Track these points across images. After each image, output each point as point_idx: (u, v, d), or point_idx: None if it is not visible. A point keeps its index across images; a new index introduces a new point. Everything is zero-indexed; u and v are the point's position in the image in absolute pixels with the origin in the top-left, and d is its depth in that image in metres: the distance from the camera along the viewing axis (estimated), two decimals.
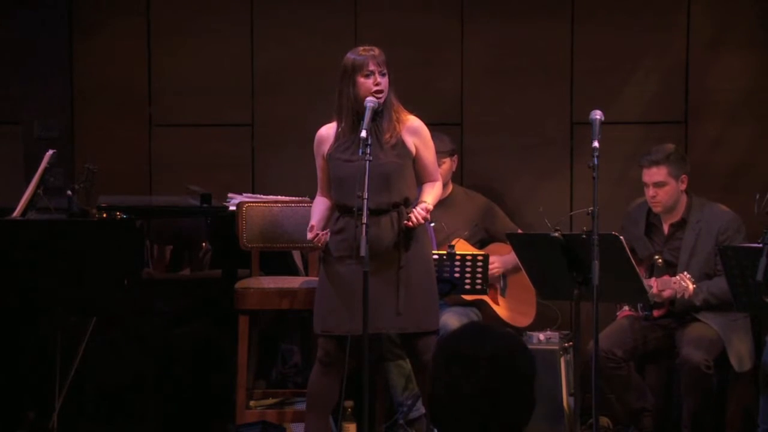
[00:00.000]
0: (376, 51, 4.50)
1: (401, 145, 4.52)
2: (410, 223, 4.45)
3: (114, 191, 5.68)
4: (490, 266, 5.31)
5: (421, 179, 4.63)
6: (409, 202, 4.57)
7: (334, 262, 4.51)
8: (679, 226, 5.20)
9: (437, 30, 6.10)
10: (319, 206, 4.63)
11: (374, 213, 4.39)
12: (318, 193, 4.68)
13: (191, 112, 6.25)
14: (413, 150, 4.54)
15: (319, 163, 4.61)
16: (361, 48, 4.52)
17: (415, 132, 4.55)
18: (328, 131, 4.58)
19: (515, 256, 4.85)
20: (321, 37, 6.08)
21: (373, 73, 4.45)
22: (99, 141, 6.25)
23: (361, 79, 4.45)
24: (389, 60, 4.54)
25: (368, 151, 4.30)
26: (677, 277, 4.92)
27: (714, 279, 5.06)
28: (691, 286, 4.85)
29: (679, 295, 4.91)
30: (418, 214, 4.45)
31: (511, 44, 6.04)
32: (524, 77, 6.02)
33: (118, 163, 6.14)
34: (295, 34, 6.18)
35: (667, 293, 4.98)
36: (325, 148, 4.56)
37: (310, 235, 4.48)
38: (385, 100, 4.48)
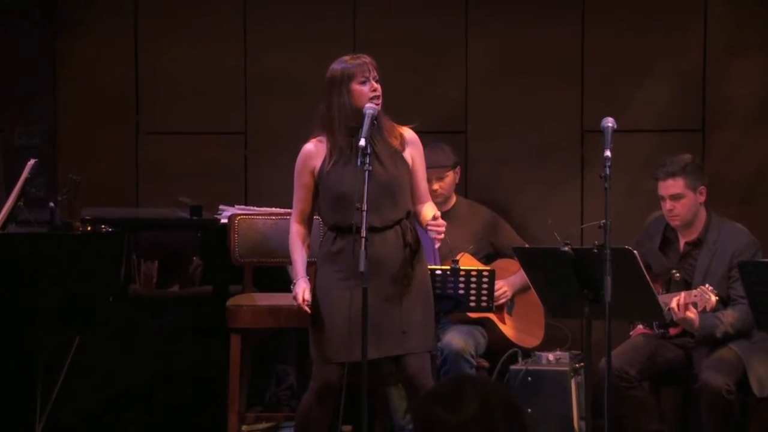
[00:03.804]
0: (367, 57, 4.48)
1: (400, 156, 4.52)
2: (439, 241, 4.40)
3: (99, 203, 5.68)
4: (498, 291, 5.32)
5: (414, 199, 4.56)
6: (410, 215, 4.55)
7: (333, 286, 4.47)
8: (695, 245, 5.16)
9: (440, 31, 6.09)
10: (301, 248, 4.53)
11: (380, 230, 4.40)
12: (294, 219, 4.56)
13: (181, 119, 6.24)
14: (410, 162, 4.54)
15: (303, 181, 4.52)
16: (348, 57, 4.48)
17: (412, 142, 4.55)
18: (316, 146, 4.51)
19: (524, 274, 4.82)
20: (317, 39, 6.07)
21: (368, 79, 4.42)
22: (83, 150, 6.23)
23: (357, 87, 4.41)
24: (383, 60, 4.53)
25: (367, 161, 4.27)
26: (698, 289, 4.87)
27: (728, 310, 5.02)
28: (713, 298, 4.80)
29: (700, 308, 4.86)
30: (437, 227, 4.38)
31: (518, 47, 6.03)
32: (532, 82, 6.02)
33: (103, 173, 6.12)
34: (290, 36, 6.17)
35: (686, 305, 4.88)
36: (316, 163, 4.49)
37: (298, 303, 4.46)
38: (381, 109, 4.46)
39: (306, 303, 4.45)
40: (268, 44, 6.19)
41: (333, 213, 4.47)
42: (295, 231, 4.56)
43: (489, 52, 6.07)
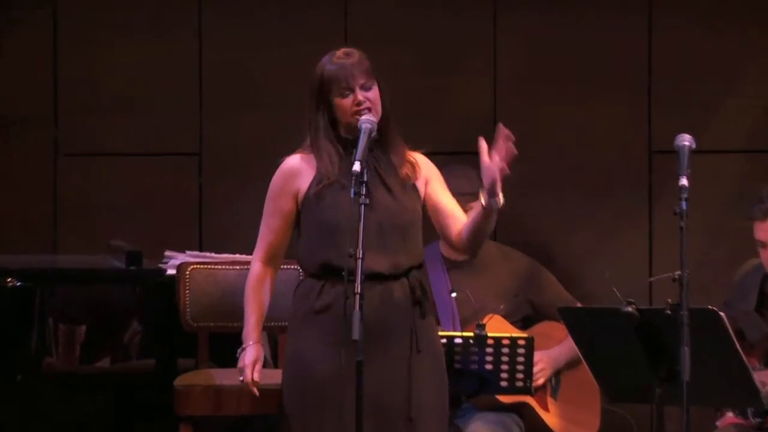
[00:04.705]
0: (355, 57, 4.46)
1: (412, 185, 4.53)
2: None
3: (5, 247, 5.78)
4: (539, 366, 5.34)
5: (450, 226, 4.52)
6: (420, 264, 4.53)
7: (315, 357, 4.45)
8: None
9: (460, 29, 6.20)
10: (259, 297, 4.55)
11: (385, 278, 4.39)
12: (257, 256, 4.57)
13: (114, 137, 6.28)
14: (423, 190, 4.55)
15: (280, 206, 4.51)
16: (339, 54, 4.49)
17: (423, 165, 4.57)
18: (301, 162, 4.51)
19: (572, 344, 4.77)
20: (296, 36, 6.16)
21: (351, 90, 4.42)
22: None
23: (337, 100, 4.44)
24: (385, 66, 4.51)
25: (363, 191, 4.23)
26: None
27: None
28: None
29: None
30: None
31: (563, 46, 6.16)
32: (582, 89, 6.14)
33: (10, 208, 6.20)
34: (259, 32, 6.26)
35: None
36: (301, 184, 4.48)
37: (243, 377, 4.47)
38: (384, 122, 4.46)
39: (254, 383, 4.43)
40: (231, 43, 6.27)
41: (321, 250, 4.42)
42: (256, 273, 4.54)
43: (524, 52, 6.17)
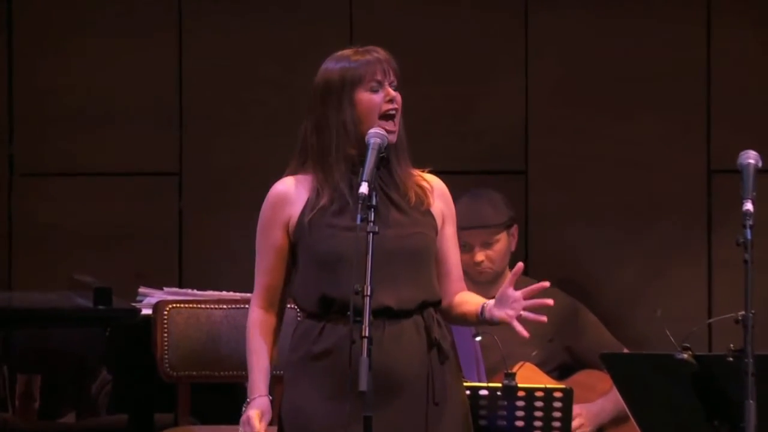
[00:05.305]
0: (381, 52, 4.48)
1: (428, 210, 4.51)
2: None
3: None
4: (578, 421, 5.40)
5: (444, 283, 4.55)
6: (438, 302, 4.51)
7: (314, 412, 4.45)
8: None
9: (486, 29, 6.31)
10: (262, 346, 4.53)
11: (395, 315, 4.38)
12: (255, 302, 4.53)
13: (78, 155, 6.37)
14: (440, 222, 4.53)
15: (272, 240, 4.48)
16: (351, 51, 4.50)
17: (441, 195, 4.56)
18: (292, 186, 4.50)
19: (618, 396, 4.77)
20: (293, 42, 6.26)
21: (381, 84, 4.43)
22: None
23: (364, 95, 4.42)
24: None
25: (371, 217, 4.25)
26: None
27: None
28: None
29: None
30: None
31: (607, 50, 6.29)
32: (629, 101, 6.25)
33: None
34: (247, 38, 6.38)
35: None
36: (292, 211, 4.47)
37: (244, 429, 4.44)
38: (398, 137, 4.47)
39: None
40: (215, 47, 6.38)
41: (320, 285, 4.41)
42: (256, 320, 4.51)
43: (562, 58, 6.28)
